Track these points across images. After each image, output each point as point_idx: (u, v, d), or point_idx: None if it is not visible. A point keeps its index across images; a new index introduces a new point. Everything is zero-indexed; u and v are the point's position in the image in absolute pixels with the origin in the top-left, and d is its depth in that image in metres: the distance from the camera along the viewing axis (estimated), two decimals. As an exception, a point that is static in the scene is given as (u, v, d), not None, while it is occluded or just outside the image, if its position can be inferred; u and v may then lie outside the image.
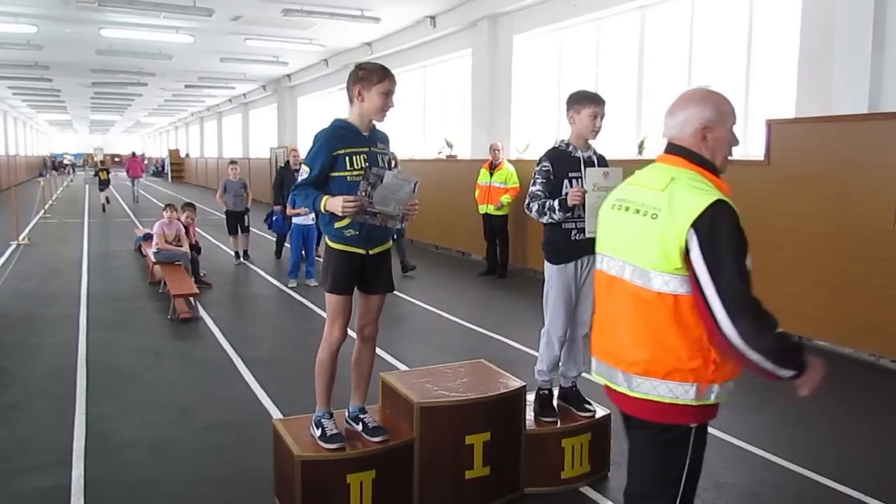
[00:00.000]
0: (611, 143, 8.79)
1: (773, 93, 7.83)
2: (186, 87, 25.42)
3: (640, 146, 8.93)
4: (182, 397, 5.19)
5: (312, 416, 3.56)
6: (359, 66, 3.45)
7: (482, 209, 10.30)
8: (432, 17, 13.55)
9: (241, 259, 11.41)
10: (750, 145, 7.91)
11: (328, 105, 21.45)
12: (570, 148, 3.89)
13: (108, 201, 21.95)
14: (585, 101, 3.90)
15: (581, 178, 3.81)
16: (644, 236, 2.14)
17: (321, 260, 3.63)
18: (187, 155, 45.59)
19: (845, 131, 6.34)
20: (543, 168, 3.87)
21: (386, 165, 3.50)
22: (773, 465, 4.12)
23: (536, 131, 11.63)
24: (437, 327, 7.27)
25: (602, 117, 3.86)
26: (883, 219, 5.98)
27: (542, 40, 11.77)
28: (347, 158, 3.35)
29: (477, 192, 10.42)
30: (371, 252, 3.45)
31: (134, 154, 30.33)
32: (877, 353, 6.18)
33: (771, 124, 6.94)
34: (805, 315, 6.58)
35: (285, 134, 24.32)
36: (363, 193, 3.24)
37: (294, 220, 9.47)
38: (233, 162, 12.02)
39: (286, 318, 8.07)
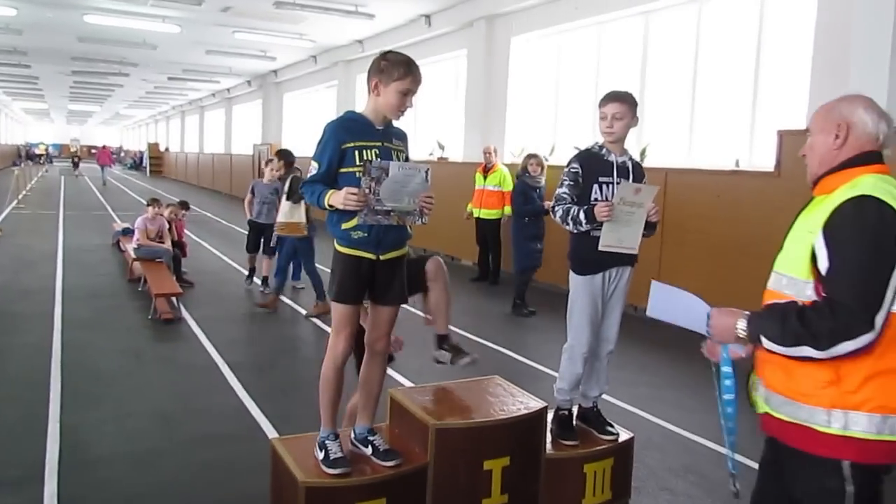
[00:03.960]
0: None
1: (783, 102, 7.63)
2: (170, 79, 24.87)
3: (643, 154, 8.69)
4: (165, 406, 4.82)
5: (315, 435, 3.24)
6: (383, 56, 3.10)
7: (475, 213, 10.01)
8: (427, 16, 13.25)
9: (260, 284, 8.85)
10: (757, 155, 7.71)
11: (315, 102, 21.06)
12: (604, 151, 3.60)
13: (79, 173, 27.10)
14: (600, 101, 3.62)
15: (612, 183, 3.53)
16: None
17: (327, 270, 3.27)
18: (167, 149, 44.90)
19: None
20: (572, 170, 3.58)
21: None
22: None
23: (533, 135, 11.36)
24: (419, 330, 6.94)
25: (618, 119, 3.54)
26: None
27: (541, 43, 11.52)
28: (357, 152, 3.04)
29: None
30: (382, 257, 3.13)
31: (104, 146, 34.80)
32: None
33: (783, 135, 6.73)
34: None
35: (270, 131, 23.86)
36: (367, 190, 2.92)
37: None
38: (270, 160, 8.96)
39: (272, 320, 7.70)
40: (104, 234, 13.34)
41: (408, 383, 5.05)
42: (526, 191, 8.03)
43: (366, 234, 3.04)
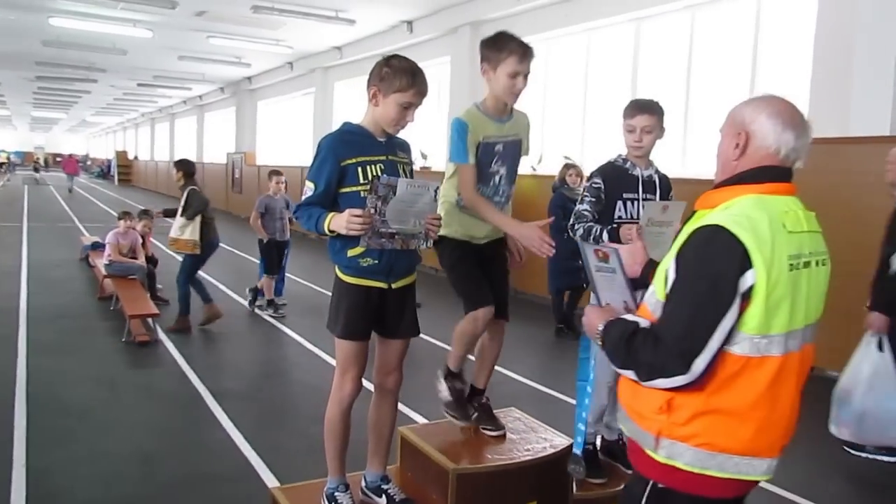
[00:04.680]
0: (600, 160, 8.31)
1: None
2: (140, 85, 24.17)
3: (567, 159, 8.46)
4: (145, 443, 4.39)
5: (321, 482, 2.88)
6: (385, 61, 2.75)
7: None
8: (409, 22, 12.93)
9: (271, 309, 8.18)
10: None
11: (290, 110, 20.61)
12: (628, 164, 3.28)
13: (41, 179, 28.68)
14: (626, 111, 3.32)
15: (637, 200, 3.22)
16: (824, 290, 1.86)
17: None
18: (136, 157, 44.02)
19: (866, 154, 5.94)
20: (594, 185, 3.26)
21: (409, 177, 2.85)
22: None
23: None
24: (428, 358, 6.58)
25: (648, 132, 3.24)
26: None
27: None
28: (360, 169, 2.69)
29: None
30: (394, 286, 2.79)
31: (71, 155, 32.53)
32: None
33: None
34: (818, 344, 6.11)
35: (244, 139, 23.32)
36: (373, 210, 2.57)
37: None
38: (276, 172, 8.44)
39: (255, 342, 7.29)
40: (72, 249, 12.72)
41: (418, 418, 4.60)
42: (565, 204, 7.17)
43: (376, 262, 2.69)
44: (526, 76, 2.99)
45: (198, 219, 7.02)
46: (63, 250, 12.89)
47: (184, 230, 7.04)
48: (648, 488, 1.84)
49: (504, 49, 2.94)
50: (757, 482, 1.82)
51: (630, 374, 1.77)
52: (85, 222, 18.03)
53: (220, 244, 7.64)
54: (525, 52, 2.94)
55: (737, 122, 1.82)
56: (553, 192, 7.78)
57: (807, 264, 1.74)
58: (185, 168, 7.47)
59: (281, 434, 4.62)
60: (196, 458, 4.22)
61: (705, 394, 1.72)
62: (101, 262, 8.72)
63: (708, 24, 8.39)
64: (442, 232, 2.97)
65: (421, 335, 3.03)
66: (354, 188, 2.67)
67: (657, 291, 1.81)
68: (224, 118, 26.52)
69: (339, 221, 2.58)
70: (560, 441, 3.18)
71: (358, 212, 2.54)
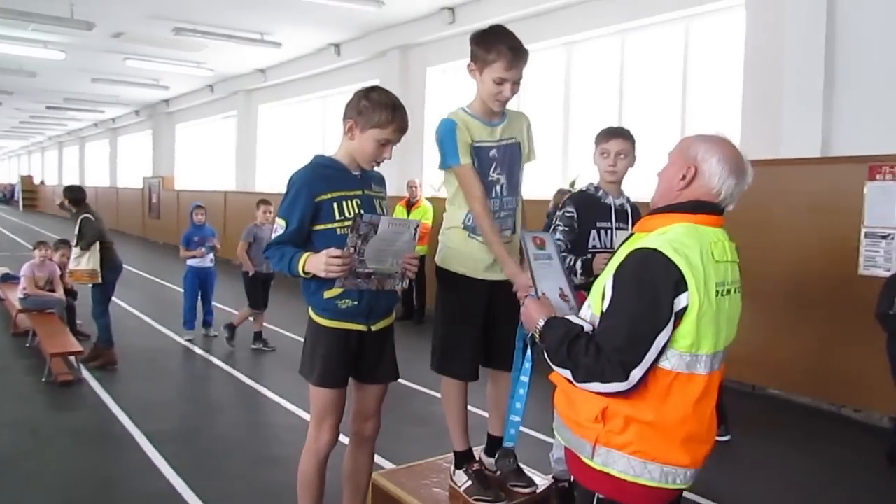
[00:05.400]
0: (539, 182, 8.39)
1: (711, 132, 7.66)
2: (48, 108, 23.04)
3: (572, 184, 8.55)
4: (76, 495, 4.04)
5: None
6: (365, 94, 2.62)
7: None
8: (337, 45, 12.80)
9: (260, 344, 7.77)
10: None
11: (211, 133, 20.05)
12: (601, 193, 3.28)
13: None
14: (598, 138, 3.34)
15: (611, 229, 3.22)
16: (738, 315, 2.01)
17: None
18: (42, 182, 41.98)
19: (799, 175, 6.18)
20: (567, 214, 3.24)
21: (384, 212, 2.75)
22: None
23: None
24: (389, 396, 6.42)
25: (622, 157, 3.27)
26: (845, 265, 5.81)
27: (459, 73, 11.31)
28: (335, 205, 2.57)
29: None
30: (374, 328, 2.67)
31: None
32: (837, 402, 5.98)
33: (720, 168, 6.72)
34: (760, 363, 6.32)
35: (161, 163, 22.52)
36: (353, 249, 2.45)
37: (188, 262, 8.23)
38: (264, 201, 7.86)
39: (188, 377, 6.93)
40: (-23, 281, 11.89)
41: (384, 462, 4.23)
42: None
43: (356, 303, 2.56)
44: (515, 83, 2.72)
45: (95, 247, 6.65)
46: (-33, 284, 12.01)
47: (80, 260, 6.64)
48: (594, 501, 1.94)
49: (492, 50, 2.66)
50: (681, 491, 1.95)
51: (566, 373, 1.88)
52: (-10, 253, 16.96)
53: (140, 272, 7.26)
54: (515, 58, 2.64)
55: (688, 156, 1.95)
56: (547, 218, 7.30)
57: (728, 292, 1.90)
58: (73, 195, 7.01)
59: (227, 479, 4.34)
60: (136, 509, 3.93)
61: (638, 405, 1.84)
62: (13, 295, 8.17)
63: (638, 48, 8.59)
64: (445, 265, 2.83)
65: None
66: (330, 225, 2.54)
67: (593, 306, 1.94)
68: (139, 141, 25.61)
69: (316, 263, 2.44)
70: (540, 481, 3.09)
71: (337, 252, 2.41)
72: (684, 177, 1.94)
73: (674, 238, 1.83)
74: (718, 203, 1.94)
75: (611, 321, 1.84)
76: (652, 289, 1.77)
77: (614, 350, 1.78)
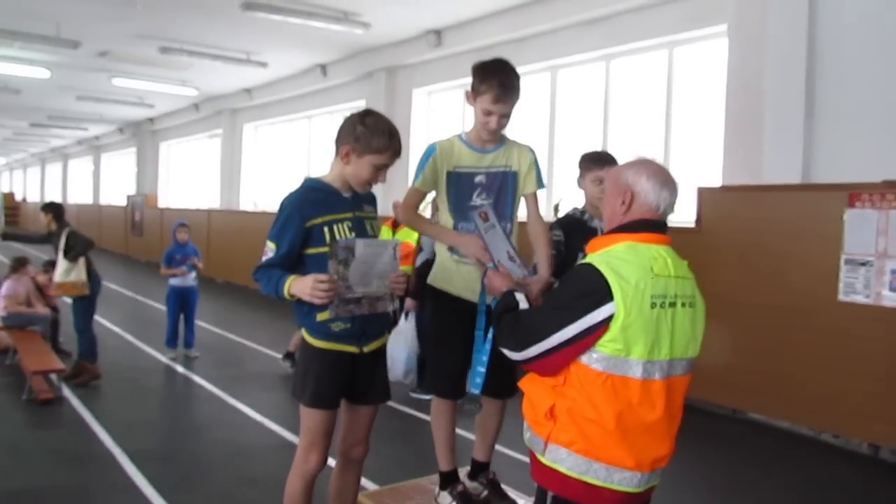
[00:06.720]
0: (522, 205, 8.45)
1: (696, 159, 7.79)
2: (32, 125, 22.94)
3: (556, 209, 8.64)
4: (57, 516, 4.02)
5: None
6: (360, 118, 2.64)
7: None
8: (323, 66, 12.88)
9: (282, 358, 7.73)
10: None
11: (196, 151, 20.03)
12: (587, 217, 3.34)
13: None
14: (589, 164, 3.40)
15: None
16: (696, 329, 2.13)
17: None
18: (24, 199, 41.60)
19: (779, 201, 6.28)
20: (555, 238, 3.29)
21: (374, 232, 2.78)
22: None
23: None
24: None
25: None
26: (824, 290, 5.89)
27: (444, 95, 11.43)
28: (326, 229, 2.59)
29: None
30: (365, 349, 2.69)
31: None
32: (816, 427, 6.03)
33: (702, 192, 6.83)
34: (740, 387, 6.38)
35: (145, 181, 22.45)
36: (336, 277, 2.48)
37: (170, 281, 8.19)
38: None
39: (169, 396, 6.89)
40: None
41: (370, 484, 4.06)
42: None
43: (348, 326, 2.58)
44: (502, 117, 2.79)
45: (81, 259, 6.70)
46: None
47: (69, 273, 6.68)
48: (548, 500, 2.05)
49: (485, 82, 2.74)
50: (634, 495, 2.02)
51: (495, 332, 2.25)
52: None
53: (122, 290, 7.24)
54: (502, 94, 2.72)
55: (620, 184, 2.13)
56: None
57: (672, 304, 2.00)
58: (55, 211, 7.13)
59: (208, 499, 4.31)
60: (116, 529, 3.90)
61: (579, 400, 1.98)
62: (-7, 314, 8.08)
63: (622, 73, 8.73)
64: (433, 283, 2.87)
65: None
66: (321, 249, 2.56)
67: None
68: (123, 159, 25.53)
69: (302, 287, 2.46)
70: (523, 503, 3.10)
71: (323, 277, 2.44)
72: (623, 202, 2.10)
73: (611, 254, 2.02)
74: (660, 218, 2.09)
75: (537, 309, 2.17)
76: (574, 295, 1.98)
77: (524, 326, 2.04)
